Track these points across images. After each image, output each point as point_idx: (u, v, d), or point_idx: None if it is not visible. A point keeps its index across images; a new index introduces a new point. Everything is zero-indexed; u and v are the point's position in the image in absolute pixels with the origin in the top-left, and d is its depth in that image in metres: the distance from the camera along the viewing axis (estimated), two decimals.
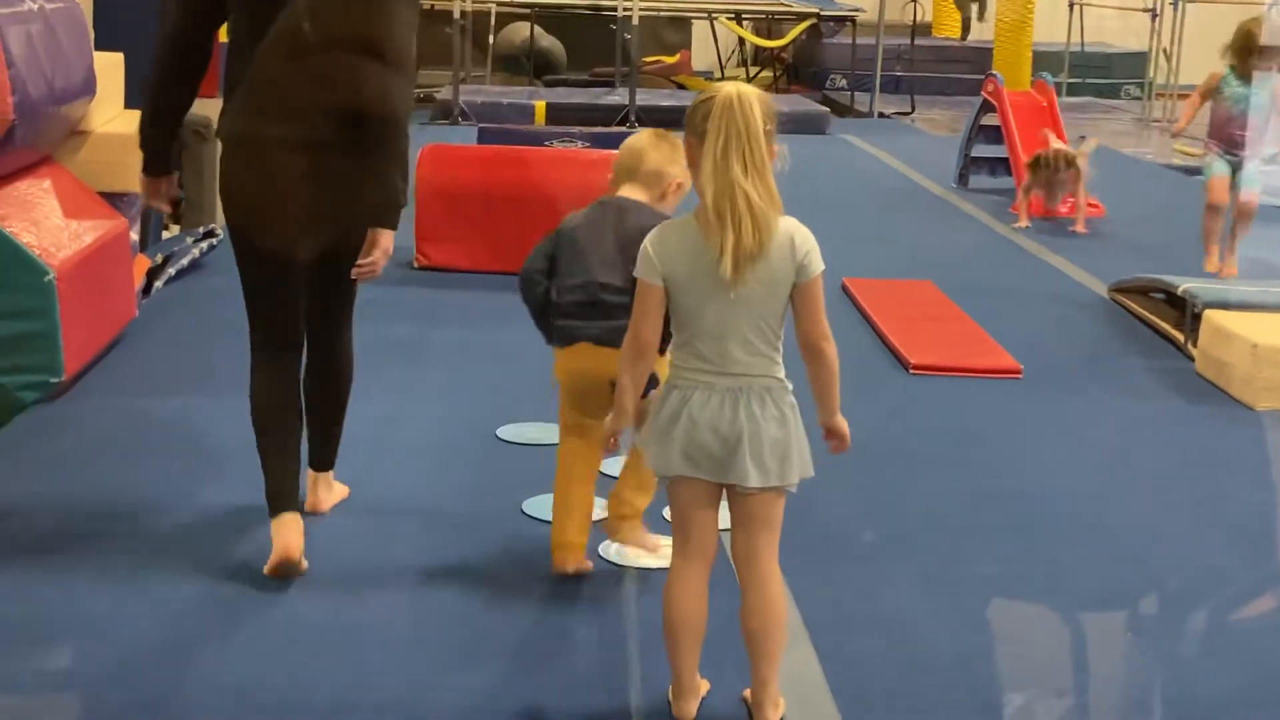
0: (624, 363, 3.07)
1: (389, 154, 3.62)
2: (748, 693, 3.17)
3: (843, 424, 3.15)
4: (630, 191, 3.76)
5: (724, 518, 3.11)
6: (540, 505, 4.24)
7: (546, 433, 4.89)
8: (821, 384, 3.10)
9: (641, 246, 3.01)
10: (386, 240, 3.71)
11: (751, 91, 2.94)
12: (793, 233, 2.96)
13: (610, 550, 3.96)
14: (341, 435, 4.17)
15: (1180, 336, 6.28)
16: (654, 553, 3.85)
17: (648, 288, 2.99)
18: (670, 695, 3.15)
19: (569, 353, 3.72)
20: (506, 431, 4.90)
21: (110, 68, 6.32)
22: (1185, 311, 6.24)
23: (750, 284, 2.93)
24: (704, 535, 3.07)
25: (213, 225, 7.72)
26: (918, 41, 17.15)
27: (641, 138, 3.82)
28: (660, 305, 2.99)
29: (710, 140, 2.90)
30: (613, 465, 4.13)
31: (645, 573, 3.85)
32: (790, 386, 3.05)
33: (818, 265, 2.98)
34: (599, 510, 3.98)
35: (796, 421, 3.04)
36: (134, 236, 6.25)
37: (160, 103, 3.83)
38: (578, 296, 3.66)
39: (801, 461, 3.04)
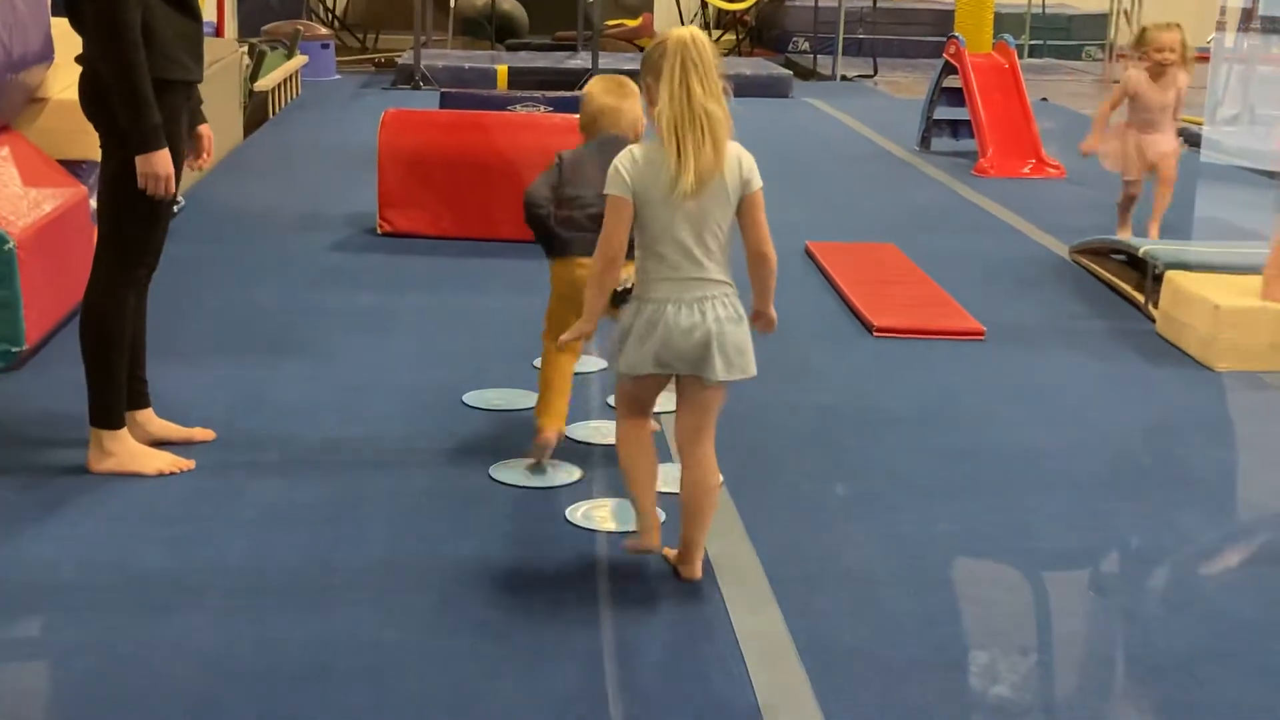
0: (595, 271, 3.48)
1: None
2: (672, 551, 3.62)
3: (773, 312, 3.60)
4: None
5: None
6: (508, 471, 4.25)
7: (512, 398, 4.90)
8: (763, 282, 3.55)
9: (612, 166, 3.41)
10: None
11: (701, 33, 3.44)
12: (739, 154, 3.44)
13: (577, 514, 3.98)
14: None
15: (1141, 298, 6.32)
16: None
17: (619, 201, 3.40)
18: (639, 530, 3.57)
19: (566, 263, 4.19)
20: (473, 397, 4.90)
21: (69, 33, 6.24)
22: (1146, 273, 6.29)
23: (706, 196, 3.36)
24: (650, 407, 3.62)
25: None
26: (880, 4, 17.14)
27: (593, 85, 4.31)
28: (629, 218, 3.40)
29: (668, 71, 3.34)
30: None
31: (618, 535, 3.86)
32: (736, 289, 3.49)
33: (759, 181, 3.47)
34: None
35: (745, 318, 3.50)
36: (94, 204, 6.20)
37: (146, 79, 3.91)
38: (575, 214, 4.16)
39: (752, 357, 3.51)
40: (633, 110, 4.22)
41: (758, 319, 3.58)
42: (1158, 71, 7.41)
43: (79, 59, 4.07)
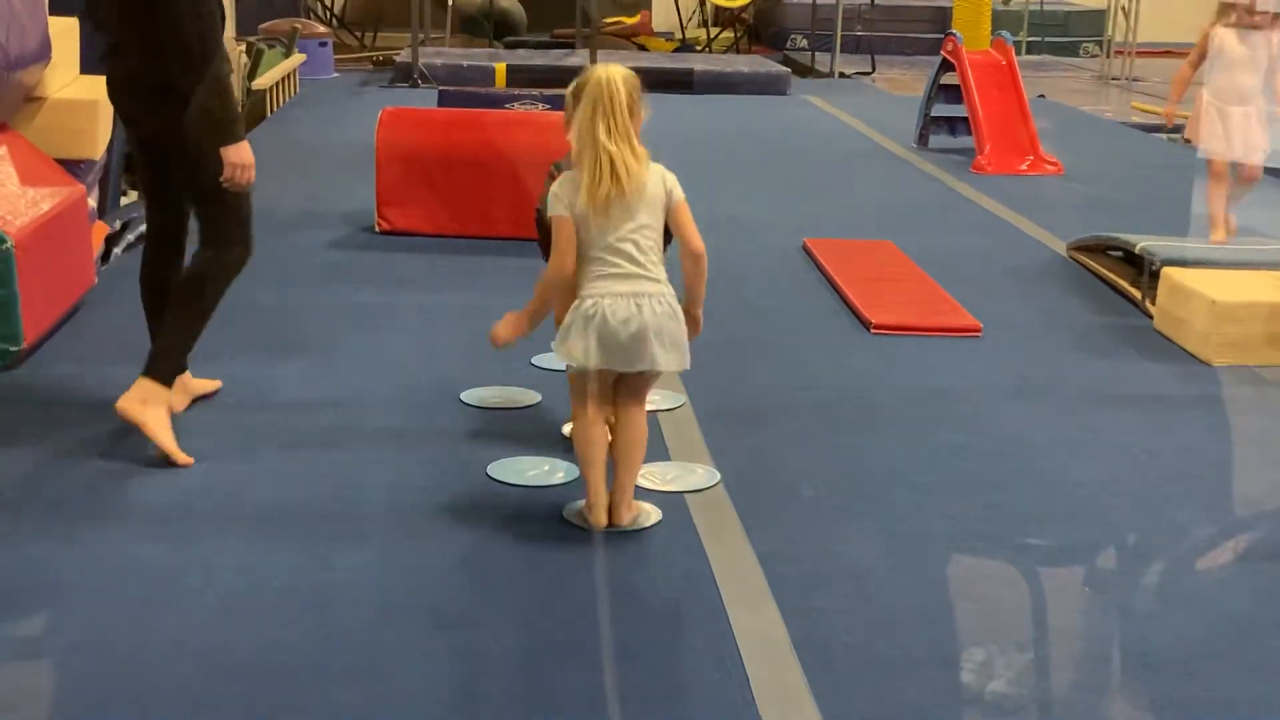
0: (548, 290, 3.84)
1: None
2: (594, 509, 3.87)
3: (700, 315, 3.93)
4: None
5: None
6: (505, 468, 4.26)
7: (510, 397, 4.91)
8: (693, 282, 3.88)
9: (550, 192, 3.79)
10: None
11: (619, 73, 3.77)
12: (662, 172, 3.81)
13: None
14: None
15: (1138, 294, 6.33)
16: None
17: (562, 220, 3.76)
18: (586, 510, 3.88)
19: None
20: (471, 395, 4.90)
21: (65, 32, 6.26)
22: (1143, 269, 6.29)
23: (630, 205, 3.73)
24: (605, 399, 3.88)
25: None
26: (877, 1, 17.14)
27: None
28: (574, 235, 3.75)
29: (582, 108, 3.73)
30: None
31: (616, 535, 3.87)
32: (673, 290, 3.81)
33: (680, 193, 3.82)
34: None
35: (680, 316, 3.82)
36: (92, 203, 6.21)
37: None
38: None
39: (687, 349, 3.84)
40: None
41: (688, 319, 3.86)
42: (1246, 34, 6.81)
43: (132, 73, 4.25)
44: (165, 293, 4.49)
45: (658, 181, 3.80)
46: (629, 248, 3.76)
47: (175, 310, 4.40)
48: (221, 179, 4.22)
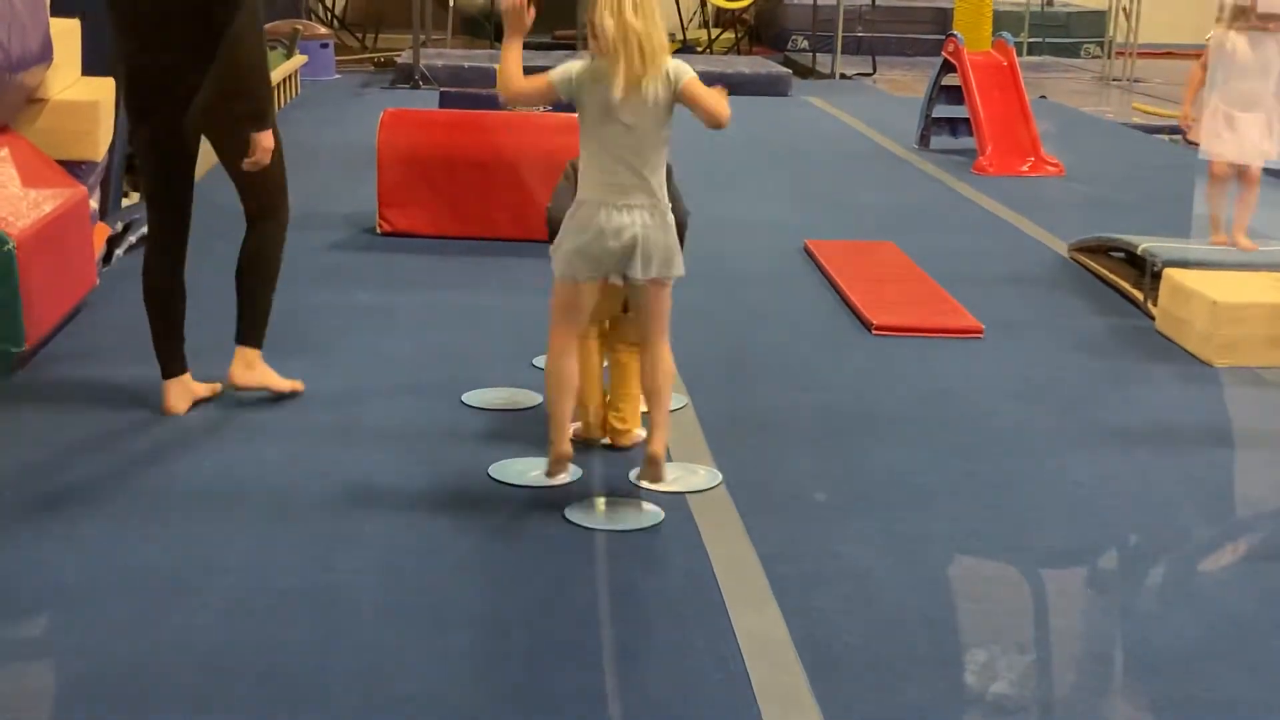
0: (504, 80, 3.91)
1: None
2: (640, 433, 4.19)
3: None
4: None
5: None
6: (506, 470, 4.26)
7: (512, 398, 4.91)
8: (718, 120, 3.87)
9: (559, 68, 3.88)
10: None
11: None
12: (670, 65, 3.83)
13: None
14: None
15: (1140, 295, 6.33)
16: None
17: (549, 85, 3.86)
18: (553, 440, 3.99)
19: None
20: (472, 397, 4.90)
21: (67, 33, 6.27)
22: (1145, 270, 6.29)
23: (640, 113, 3.80)
24: (583, 320, 4.03)
25: None
26: (878, 2, 17.14)
27: None
28: (542, 95, 3.90)
29: None
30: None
31: (617, 535, 3.87)
32: (669, 205, 3.91)
33: (687, 74, 3.83)
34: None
35: (674, 228, 3.91)
36: (94, 204, 6.21)
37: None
38: None
39: (679, 261, 3.95)
40: None
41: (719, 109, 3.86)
42: (1258, 38, 6.69)
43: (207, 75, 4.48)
44: (176, 295, 4.75)
45: (664, 75, 3.83)
46: (634, 158, 3.84)
47: (254, 282, 4.81)
48: (246, 161, 4.56)
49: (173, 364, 4.70)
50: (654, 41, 3.79)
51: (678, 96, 3.84)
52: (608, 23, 3.77)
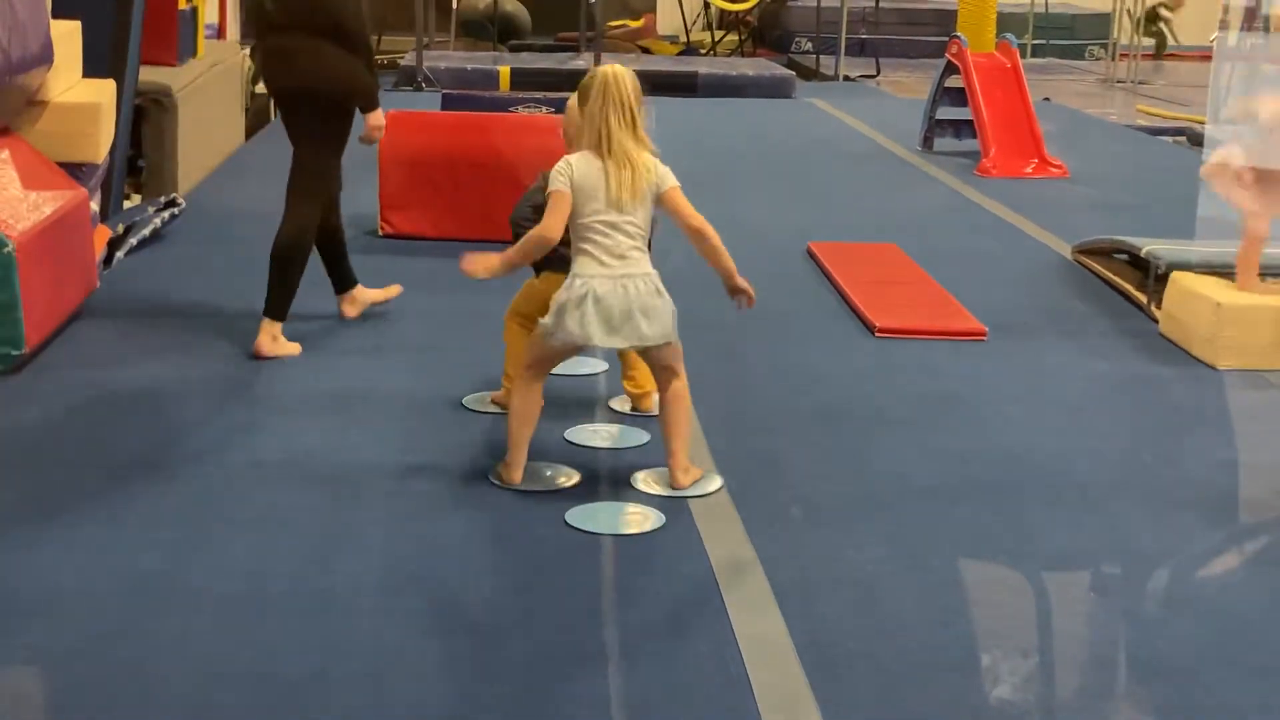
0: (528, 244, 4.12)
1: None
2: (511, 467, 4.20)
3: (744, 283, 4.20)
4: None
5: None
6: None
7: None
8: (714, 254, 4.17)
9: (555, 168, 4.07)
10: None
11: (625, 71, 4.08)
12: (657, 168, 4.09)
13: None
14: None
15: (1143, 297, 6.31)
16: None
17: (561, 195, 4.04)
18: (503, 468, 4.18)
19: (549, 278, 4.45)
20: (473, 400, 4.89)
21: (67, 36, 6.25)
22: (1149, 273, 6.27)
23: (626, 208, 4.04)
24: (551, 368, 4.27)
25: (174, 194, 7.67)
26: (882, 4, 17.13)
27: (573, 100, 4.62)
28: (568, 209, 4.03)
29: (593, 101, 4.04)
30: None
31: (618, 540, 3.86)
32: (658, 274, 4.09)
33: (671, 181, 4.10)
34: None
35: (666, 295, 4.10)
36: (94, 207, 6.20)
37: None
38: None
39: (672, 323, 4.12)
40: None
41: (734, 295, 4.21)
42: None
43: (310, 58, 5.27)
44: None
45: (655, 174, 4.08)
46: (618, 236, 4.04)
47: (279, 264, 5.36)
48: (361, 136, 5.48)
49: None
50: (632, 150, 4.04)
51: (659, 198, 4.09)
52: (588, 133, 4.06)
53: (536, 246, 4.12)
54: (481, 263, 4.16)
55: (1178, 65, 17.57)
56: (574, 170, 4.06)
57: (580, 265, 4.07)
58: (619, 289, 4.03)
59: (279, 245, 5.35)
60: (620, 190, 4.02)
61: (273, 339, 5.26)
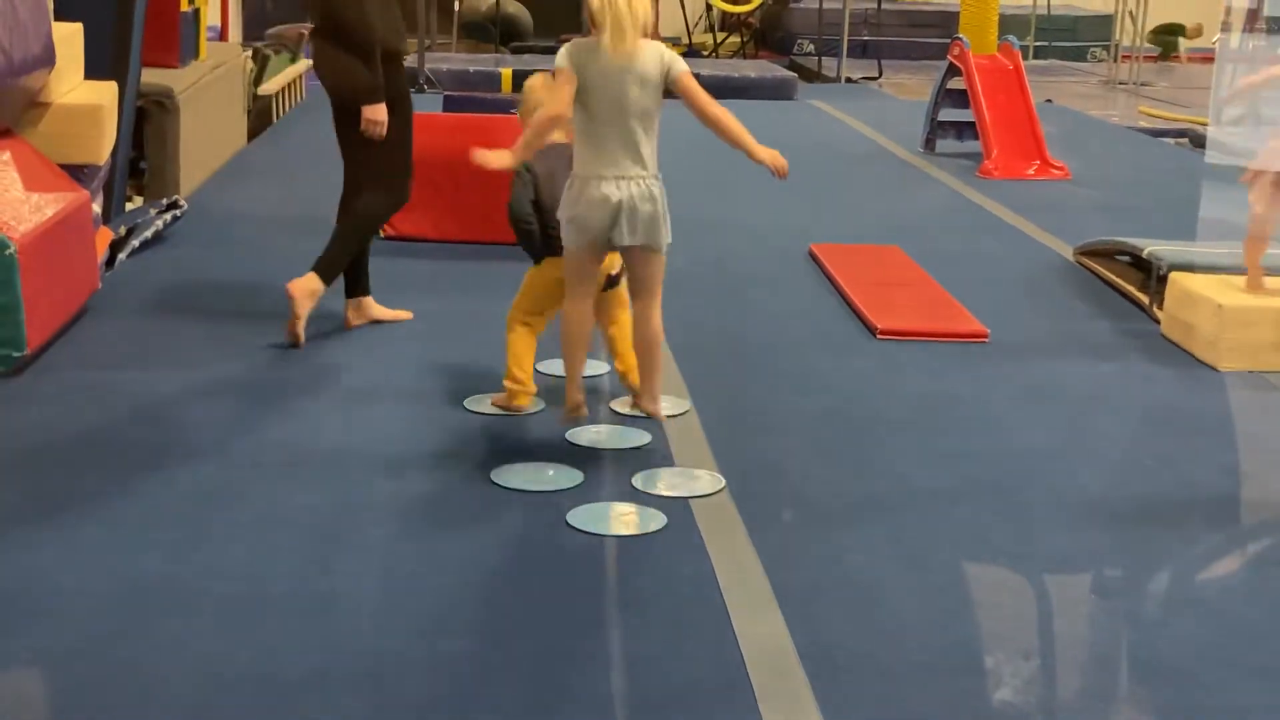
0: (539, 123, 4.25)
1: None
2: (631, 400, 4.55)
3: (766, 154, 4.25)
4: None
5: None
6: (508, 474, 4.24)
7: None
8: (733, 135, 4.23)
9: (560, 52, 4.20)
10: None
11: None
12: (661, 49, 4.19)
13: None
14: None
15: (1145, 299, 6.30)
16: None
17: (565, 74, 4.16)
18: (567, 391, 4.41)
19: (551, 263, 4.58)
20: (474, 402, 4.88)
21: (69, 38, 6.26)
22: (1150, 274, 6.27)
23: (628, 85, 4.13)
24: (591, 281, 4.40)
25: (176, 196, 7.67)
26: (884, 5, 17.13)
27: (533, 80, 4.92)
28: (573, 87, 4.15)
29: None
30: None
31: (619, 540, 3.85)
32: (660, 176, 4.21)
33: (681, 66, 4.18)
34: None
35: (664, 200, 4.20)
36: (96, 208, 6.20)
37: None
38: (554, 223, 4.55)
39: (666, 230, 4.25)
40: None
41: (764, 162, 4.24)
42: None
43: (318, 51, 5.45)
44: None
45: (655, 55, 4.17)
46: (629, 135, 4.17)
47: (336, 230, 5.60)
48: (360, 130, 5.36)
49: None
50: (637, 15, 4.11)
51: (671, 82, 4.17)
52: (600, 10, 4.14)
53: (548, 125, 4.24)
54: (496, 155, 4.29)
55: (1179, 67, 17.58)
56: (578, 47, 4.18)
57: (578, 161, 4.21)
58: (613, 187, 4.15)
59: (349, 214, 5.57)
60: (619, 47, 4.09)
61: (310, 294, 5.43)
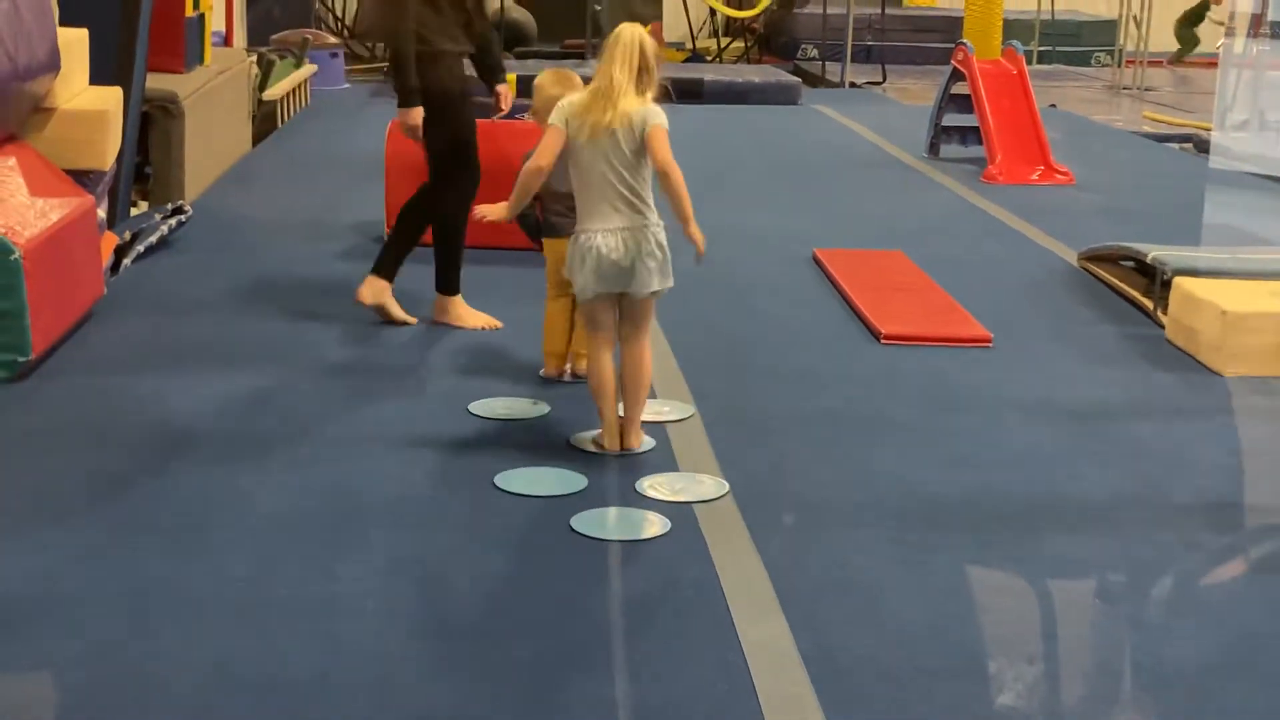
0: (524, 178, 4.45)
1: None
2: (607, 436, 4.48)
3: (697, 232, 4.34)
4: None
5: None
6: (511, 479, 4.25)
7: (519, 408, 4.90)
8: (672, 197, 4.34)
9: (555, 107, 4.40)
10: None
11: (645, 34, 4.34)
12: (645, 109, 4.32)
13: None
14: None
15: (1150, 304, 6.30)
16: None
17: (556, 130, 4.35)
18: (603, 437, 4.46)
19: (556, 243, 4.91)
20: (479, 406, 4.89)
21: (75, 43, 6.27)
22: (1155, 279, 6.27)
23: (619, 143, 4.28)
24: (609, 328, 4.48)
25: (181, 201, 7.68)
26: (888, 10, 17.13)
27: (543, 77, 5.20)
28: (560, 143, 4.34)
29: (607, 52, 4.34)
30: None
31: (623, 545, 3.86)
32: (662, 224, 4.37)
33: (654, 121, 4.30)
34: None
35: (666, 246, 4.38)
36: (101, 214, 6.21)
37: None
38: (559, 206, 4.89)
39: (669, 277, 4.42)
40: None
41: (691, 238, 4.34)
42: None
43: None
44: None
45: (640, 116, 4.30)
46: (622, 186, 4.31)
47: (400, 224, 5.91)
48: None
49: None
50: (629, 95, 4.28)
51: (644, 136, 4.29)
52: (615, 78, 4.31)
53: (535, 177, 4.42)
54: (492, 210, 4.58)
55: (1185, 72, 17.56)
56: (571, 107, 4.35)
57: (586, 216, 4.37)
58: (620, 241, 4.31)
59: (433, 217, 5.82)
60: (585, 123, 4.27)
61: (445, 310, 5.80)
